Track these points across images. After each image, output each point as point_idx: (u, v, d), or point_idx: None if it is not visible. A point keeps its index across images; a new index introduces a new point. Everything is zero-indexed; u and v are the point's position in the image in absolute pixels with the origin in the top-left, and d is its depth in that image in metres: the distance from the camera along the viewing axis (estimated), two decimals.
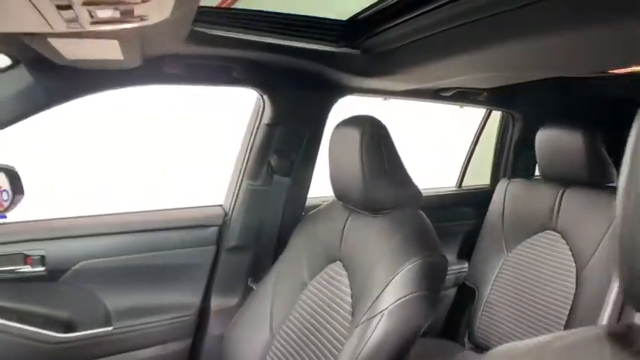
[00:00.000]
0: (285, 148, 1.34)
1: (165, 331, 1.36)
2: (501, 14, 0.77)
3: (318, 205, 1.33)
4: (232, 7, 0.98)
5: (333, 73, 1.20)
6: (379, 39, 1.02)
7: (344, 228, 1.13)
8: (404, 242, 0.96)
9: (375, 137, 1.03)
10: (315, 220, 1.25)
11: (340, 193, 1.14)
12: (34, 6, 0.48)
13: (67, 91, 1.05)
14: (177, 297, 1.37)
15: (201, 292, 1.41)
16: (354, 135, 1.03)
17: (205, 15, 0.92)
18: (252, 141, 1.35)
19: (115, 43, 0.75)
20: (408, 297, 0.90)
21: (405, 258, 0.92)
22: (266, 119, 1.31)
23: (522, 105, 1.79)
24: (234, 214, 1.39)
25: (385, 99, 1.50)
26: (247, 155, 1.36)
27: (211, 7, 0.95)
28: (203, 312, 1.41)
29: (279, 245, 1.39)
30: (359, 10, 1.01)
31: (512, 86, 1.43)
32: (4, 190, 1.38)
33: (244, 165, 1.37)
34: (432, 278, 0.92)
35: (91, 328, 1.27)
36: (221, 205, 1.45)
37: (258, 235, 1.42)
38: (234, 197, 1.39)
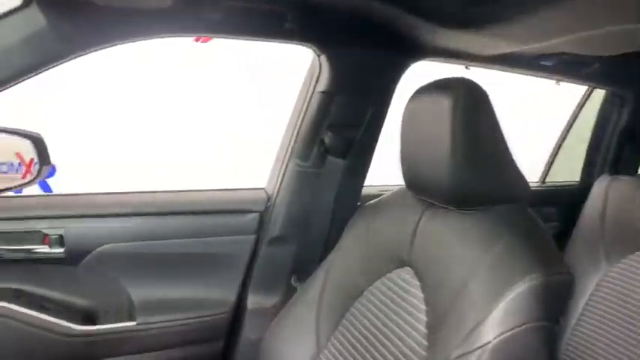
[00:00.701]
0: (342, 122, 1.11)
1: (195, 330, 1.18)
2: None
3: (376, 196, 1.09)
4: None
5: (410, 23, 0.94)
6: None
7: (417, 226, 0.88)
8: (512, 252, 0.70)
9: (472, 107, 0.77)
10: (377, 213, 1.02)
11: (414, 181, 0.89)
12: None
13: (85, 38, 0.87)
14: (209, 292, 1.19)
15: (237, 288, 1.22)
16: (442, 103, 0.77)
17: None
18: (303, 113, 1.12)
19: None
20: (520, 329, 0.65)
21: (516, 275, 0.66)
22: (322, 86, 1.08)
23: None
24: (278, 199, 1.18)
25: (468, 68, 1.22)
26: (297, 130, 1.14)
27: None
28: (238, 311, 1.22)
29: (329, 239, 1.17)
30: None
31: (630, 59, 1.13)
32: (36, 163, 1.25)
33: (293, 141, 1.15)
34: (552, 303, 0.66)
35: (113, 322, 1.11)
36: (263, 189, 1.25)
37: (306, 226, 1.20)
38: (279, 180, 1.18)
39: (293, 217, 1.19)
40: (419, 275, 0.84)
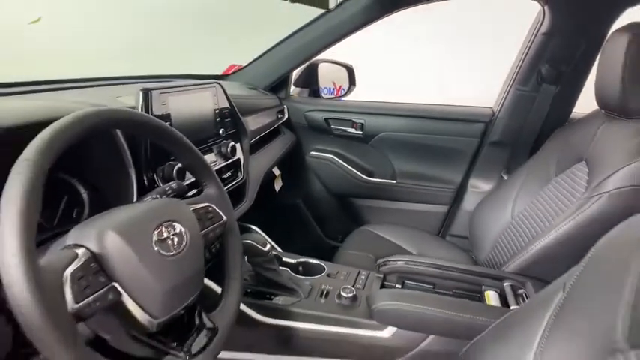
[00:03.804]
0: (557, 57, 1.46)
1: (431, 195, 1.82)
2: None
3: None
4: None
5: None
6: None
7: (597, 131, 1.22)
8: None
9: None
10: (573, 126, 1.38)
11: (600, 100, 1.22)
12: None
13: (390, 5, 1.52)
14: (443, 173, 1.80)
15: (462, 174, 1.78)
16: (621, 40, 1.08)
17: None
18: (527, 49, 1.53)
19: None
20: (629, 188, 1.00)
21: None
22: (543, 29, 1.46)
23: None
24: (500, 113, 1.65)
25: None
26: (521, 62, 1.55)
27: None
28: (461, 189, 1.79)
29: (535, 147, 1.57)
30: None
31: None
32: (343, 89, 2.09)
33: (516, 71, 1.58)
34: None
35: (383, 179, 1.87)
36: (491, 108, 1.72)
37: (518, 135, 1.63)
38: (503, 99, 1.64)
39: (509, 127, 1.64)
40: (588, 165, 1.17)
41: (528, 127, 1.61)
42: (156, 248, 0.62)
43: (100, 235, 0.58)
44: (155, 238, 0.63)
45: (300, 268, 1.21)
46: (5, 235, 0.46)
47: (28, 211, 0.48)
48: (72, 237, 0.59)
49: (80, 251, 0.56)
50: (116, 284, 0.58)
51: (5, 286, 0.46)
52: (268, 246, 1.06)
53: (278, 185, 1.83)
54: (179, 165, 0.97)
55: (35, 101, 0.82)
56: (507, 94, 1.63)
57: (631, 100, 1.10)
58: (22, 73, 0.95)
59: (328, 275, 1.16)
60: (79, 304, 0.52)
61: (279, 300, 1.07)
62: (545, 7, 1.43)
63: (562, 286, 0.69)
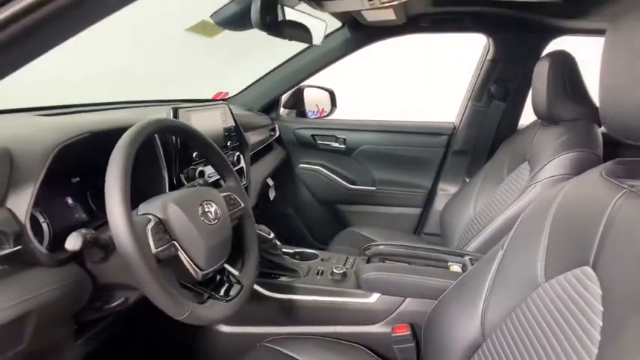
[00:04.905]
0: (502, 78, 1.78)
1: (406, 198, 2.09)
2: None
3: None
4: None
5: (543, 18, 1.55)
6: None
7: (534, 136, 1.51)
8: (567, 140, 1.31)
9: (560, 65, 1.37)
10: (519, 134, 1.67)
11: (535, 111, 1.52)
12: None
13: (365, 39, 1.82)
14: (414, 179, 2.07)
15: (432, 179, 2.06)
16: (544, 65, 1.40)
17: None
18: (479, 72, 1.84)
19: (391, 10, 1.43)
20: (555, 177, 1.28)
21: (563, 149, 1.29)
22: (489, 56, 1.78)
23: None
24: (460, 126, 1.95)
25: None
26: (474, 83, 1.87)
27: None
28: (431, 192, 2.07)
29: (490, 153, 1.87)
30: None
31: None
32: (325, 111, 2.37)
33: (471, 90, 1.89)
34: (579, 168, 1.25)
35: (364, 186, 2.13)
36: (453, 122, 2.02)
37: (476, 145, 1.93)
38: (462, 114, 1.94)
39: (468, 139, 1.94)
40: (529, 164, 1.48)
41: (483, 137, 1.91)
42: (201, 218, 0.85)
43: (164, 206, 0.81)
44: (200, 211, 0.86)
45: (297, 256, 1.44)
46: (112, 196, 0.70)
47: (126, 179, 0.72)
48: (141, 209, 0.82)
49: (151, 217, 0.79)
50: (175, 242, 0.81)
51: (111, 229, 0.69)
52: (272, 234, 1.29)
53: (272, 194, 2.07)
54: (200, 168, 1.21)
55: (101, 116, 1.06)
56: (465, 109, 1.93)
57: (554, 110, 1.40)
58: (88, 96, 1.21)
59: (322, 260, 1.40)
60: (157, 250, 0.75)
61: (283, 278, 1.29)
62: (490, 39, 1.75)
63: (502, 246, 0.91)
